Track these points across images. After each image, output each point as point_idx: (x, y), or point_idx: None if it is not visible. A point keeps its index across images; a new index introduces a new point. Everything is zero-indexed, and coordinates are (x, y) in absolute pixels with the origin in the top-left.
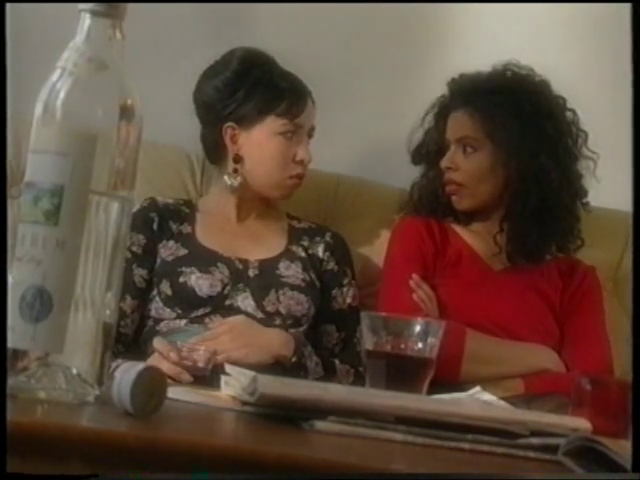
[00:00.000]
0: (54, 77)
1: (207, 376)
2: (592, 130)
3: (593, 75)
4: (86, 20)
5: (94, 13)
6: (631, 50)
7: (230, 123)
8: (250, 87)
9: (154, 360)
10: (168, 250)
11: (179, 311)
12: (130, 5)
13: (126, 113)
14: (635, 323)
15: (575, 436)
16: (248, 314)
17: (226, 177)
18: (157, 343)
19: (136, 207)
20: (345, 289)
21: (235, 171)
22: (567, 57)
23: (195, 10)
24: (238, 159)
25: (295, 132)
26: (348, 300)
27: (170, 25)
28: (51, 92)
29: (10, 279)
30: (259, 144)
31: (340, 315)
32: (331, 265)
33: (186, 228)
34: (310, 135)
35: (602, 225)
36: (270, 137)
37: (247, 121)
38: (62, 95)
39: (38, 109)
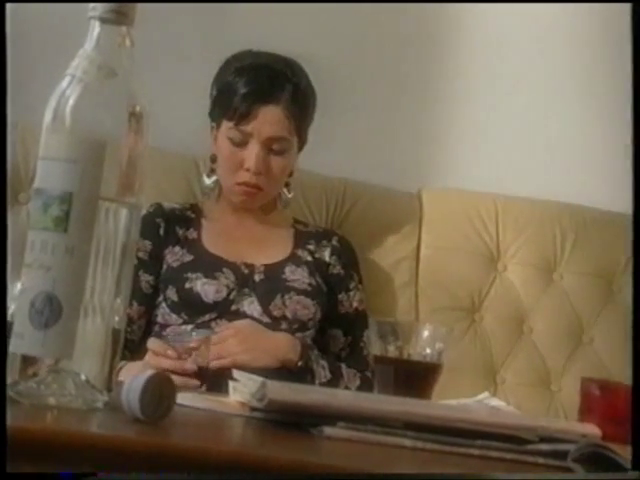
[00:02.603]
0: (64, 84)
1: (208, 368)
2: (592, 130)
3: (596, 75)
4: (95, 27)
5: (103, 20)
6: (631, 50)
7: (212, 123)
8: (223, 88)
9: (151, 359)
10: (174, 256)
11: (185, 317)
12: (139, 12)
13: (135, 120)
14: (635, 324)
15: (584, 442)
16: (254, 319)
17: (205, 176)
18: (151, 343)
19: (142, 212)
20: (352, 293)
21: (212, 171)
22: (568, 58)
23: (201, 15)
24: (214, 159)
25: (243, 139)
26: (355, 304)
27: (177, 31)
28: (60, 99)
29: (19, 286)
30: (218, 145)
31: (347, 319)
32: (337, 269)
33: (192, 234)
34: (268, 147)
35: (602, 227)
36: (223, 140)
37: (216, 122)
38: (71, 102)
39: (47, 116)
